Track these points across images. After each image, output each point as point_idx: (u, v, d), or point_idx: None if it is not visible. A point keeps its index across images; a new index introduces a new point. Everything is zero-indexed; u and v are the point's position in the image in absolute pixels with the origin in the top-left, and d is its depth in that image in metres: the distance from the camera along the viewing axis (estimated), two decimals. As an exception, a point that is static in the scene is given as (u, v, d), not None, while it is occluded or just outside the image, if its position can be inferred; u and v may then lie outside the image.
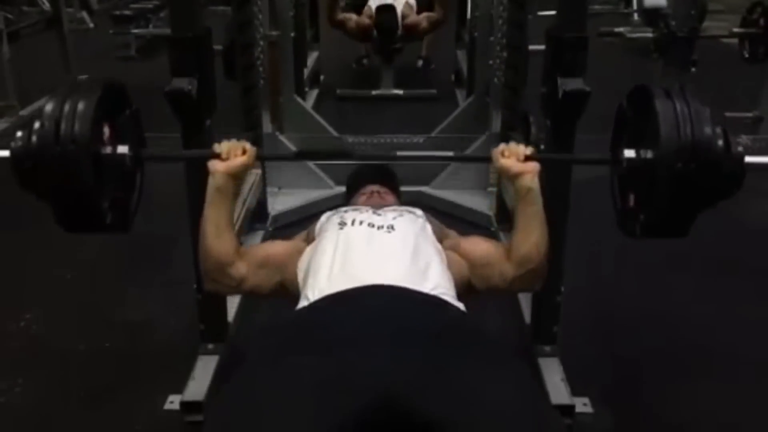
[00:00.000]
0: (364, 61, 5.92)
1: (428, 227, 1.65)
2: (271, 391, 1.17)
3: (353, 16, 5.15)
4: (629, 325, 2.42)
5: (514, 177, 1.55)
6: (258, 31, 2.98)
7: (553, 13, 2.04)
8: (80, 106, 1.36)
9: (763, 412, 2.03)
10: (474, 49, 4.17)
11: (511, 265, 1.56)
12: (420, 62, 5.96)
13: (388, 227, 1.55)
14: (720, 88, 4.29)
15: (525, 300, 2.32)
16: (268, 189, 3.13)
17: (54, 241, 2.92)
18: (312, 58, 5.26)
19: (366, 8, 5.23)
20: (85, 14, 7.49)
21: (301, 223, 2.17)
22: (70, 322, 2.45)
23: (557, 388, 1.99)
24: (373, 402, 1.14)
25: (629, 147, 1.49)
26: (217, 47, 2.39)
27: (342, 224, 1.58)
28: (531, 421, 1.17)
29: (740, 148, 1.40)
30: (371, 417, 1.13)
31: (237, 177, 1.57)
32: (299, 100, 4.07)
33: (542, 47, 1.95)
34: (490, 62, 3.23)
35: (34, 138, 1.35)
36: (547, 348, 2.12)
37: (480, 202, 3.25)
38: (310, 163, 3.37)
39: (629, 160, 1.48)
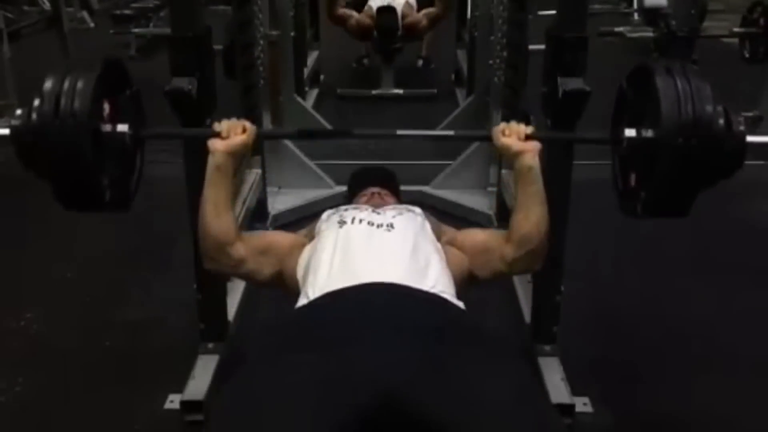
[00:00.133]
0: (365, 60, 5.91)
1: (427, 225, 1.65)
2: (272, 390, 1.17)
3: (354, 14, 5.14)
4: (629, 324, 2.42)
5: (515, 156, 1.56)
6: (258, 30, 2.98)
7: (553, 12, 2.04)
8: (80, 82, 1.35)
9: (763, 411, 2.03)
10: (474, 49, 4.17)
11: (512, 247, 1.56)
12: (420, 62, 5.95)
13: (387, 225, 1.55)
14: (720, 87, 4.26)
15: (525, 300, 2.33)
16: (268, 188, 3.13)
17: (54, 240, 2.95)
18: (312, 57, 5.26)
19: (366, 8, 5.22)
20: (85, 14, 7.49)
21: (301, 223, 2.17)
22: (70, 322, 2.45)
23: (557, 387, 1.99)
24: (373, 400, 1.14)
25: (630, 126, 1.48)
26: (217, 47, 2.39)
27: (342, 222, 1.58)
28: (530, 420, 1.17)
29: (741, 127, 1.39)
30: (372, 415, 1.13)
31: (237, 156, 1.57)
32: (299, 99, 4.07)
33: (542, 47, 1.95)
34: (490, 62, 3.22)
35: (34, 115, 1.34)
36: (547, 347, 2.12)
37: (480, 202, 3.24)
38: (311, 163, 3.37)
39: (630, 139, 1.47)
